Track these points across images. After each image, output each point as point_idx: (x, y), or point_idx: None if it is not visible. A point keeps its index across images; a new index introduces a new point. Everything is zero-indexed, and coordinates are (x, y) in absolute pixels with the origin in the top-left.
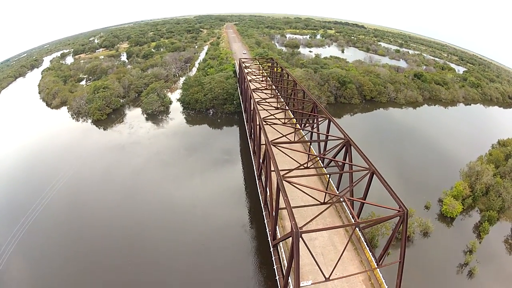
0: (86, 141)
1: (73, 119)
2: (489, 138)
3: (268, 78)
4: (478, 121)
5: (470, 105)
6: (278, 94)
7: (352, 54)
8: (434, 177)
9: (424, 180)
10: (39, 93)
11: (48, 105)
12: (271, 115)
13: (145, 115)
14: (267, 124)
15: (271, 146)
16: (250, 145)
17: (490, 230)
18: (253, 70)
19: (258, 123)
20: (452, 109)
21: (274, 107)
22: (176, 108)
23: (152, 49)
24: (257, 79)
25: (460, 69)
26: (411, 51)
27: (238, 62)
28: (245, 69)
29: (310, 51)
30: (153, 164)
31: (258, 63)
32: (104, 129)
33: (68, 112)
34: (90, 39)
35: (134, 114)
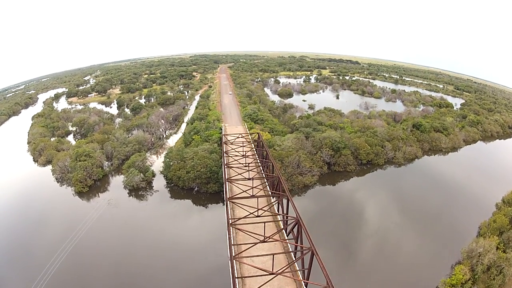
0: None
1: (57, 182)
2: (493, 188)
3: (253, 150)
4: (480, 167)
5: (471, 144)
6: (260, 167)
7: (347, 101)
8: (434, 251)
9: (423, 257)
10: (28, 143)
11: (34, 160)
12: (239, 174)
13: (127, 190)
14: (232, 182)
15: (230, 201)
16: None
17: None
18: (237, 142)
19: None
20: (453, 156)
21: (246, 177)
22: (160, 180)
23: (143, 99)
24: (238, 153)
25: (458, 102)
26: (407, 88)
27: (223, 130)
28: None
29: (304, 100)
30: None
31: (243, 138)
32: (87, 201)
33: (53, 174)
34: (85, 78)
35: (116, 187)
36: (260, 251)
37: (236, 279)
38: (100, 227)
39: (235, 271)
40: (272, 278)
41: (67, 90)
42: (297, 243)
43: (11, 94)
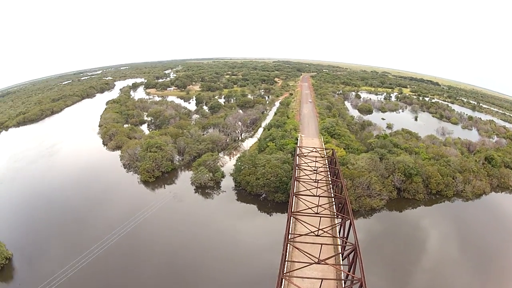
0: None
1: (124, 168)
2: None
3: (325, 166)
4: None
5: None
6: (329, 184)
7: (425, 124)
8: None
9: None
10: (99, 126)
11: (104, 143)
12: (307, 189)
13: (194, 186)
14: (299, 197)
15: (293, 216)
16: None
17: None
18: (310, 156)
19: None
20: None
21: (314, 194)
22: (229, 182)
23: (222, 99)
24: (310, 167)
25: None
26: (483, 116)
27: (299, 141)
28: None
29: (383, 119)
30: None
31: (318, 153)
32: (151, 191)
33: (120, 160)
34: (166, 71)
35: (183, 182)
36: (311, 272)
37: None
38: (161, 216)
39: (286, 249)
40: None
41: (145, 81)
42: (349, 271)
43: (86, 78)
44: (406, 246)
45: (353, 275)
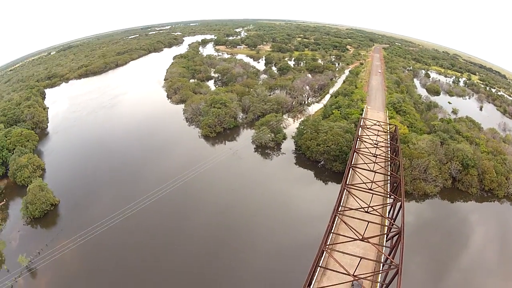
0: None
1: (186, 121)
2: None
3: (386, 141)
4: None
5: None
6: (387, 161)
7: (489, 116)
8: None
9: None
10: (164, 80)
11: (168, 97)
12: (365, 162)
13: (254, 145)
14: (355, 170)
15: (346, 188)
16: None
17: None
18: (373, 129)
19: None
20: None
21: (370, 169)
22: (290, 144)
23: (292, 61)
24: (372, 140)
25: None
26: None
27: (364, 113)
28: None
29: (449, 103)
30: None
31: (381, 127)
32: (211, 146)
33: (183, 114)
34: (237, 30)
35: (244, 140)
36: (353, 248)
37: (319, 267)
38: (219, 170)
39: (321, 260)
40: (351, 281)
41: (215, 38)
42: (389, 254)
43: (154, 32)
44: (450, 240)
45: (392, 260)
